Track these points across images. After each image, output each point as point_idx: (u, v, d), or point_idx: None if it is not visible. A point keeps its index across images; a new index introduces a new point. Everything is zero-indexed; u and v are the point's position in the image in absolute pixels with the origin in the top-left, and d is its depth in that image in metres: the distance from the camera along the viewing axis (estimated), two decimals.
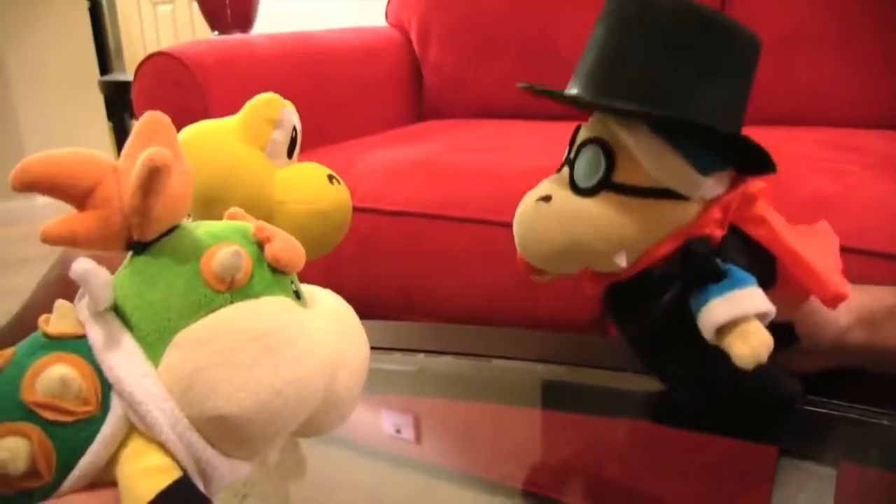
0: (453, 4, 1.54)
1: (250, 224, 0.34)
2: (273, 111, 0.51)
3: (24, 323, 0.31)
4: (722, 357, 0.40)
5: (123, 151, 0.32)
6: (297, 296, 0.34)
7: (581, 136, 0.45)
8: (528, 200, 0.45)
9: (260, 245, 0.33)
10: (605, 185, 0.42)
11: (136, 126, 0.32)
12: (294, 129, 0.53)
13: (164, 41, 3.43)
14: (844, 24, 1.24)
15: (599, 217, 0.42)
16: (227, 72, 1.18)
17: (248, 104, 0.52)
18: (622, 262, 0.43)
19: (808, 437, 0.51)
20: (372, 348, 0.65)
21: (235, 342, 0.30)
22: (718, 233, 0.42)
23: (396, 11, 1.63)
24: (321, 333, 0.33)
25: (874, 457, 0.51)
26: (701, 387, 0.47)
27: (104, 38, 3.34)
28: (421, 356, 0.66)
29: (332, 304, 0.37)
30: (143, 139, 0.32)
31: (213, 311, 0.31)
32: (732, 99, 0.43)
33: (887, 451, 0.51)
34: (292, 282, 0.34)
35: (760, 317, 0.40)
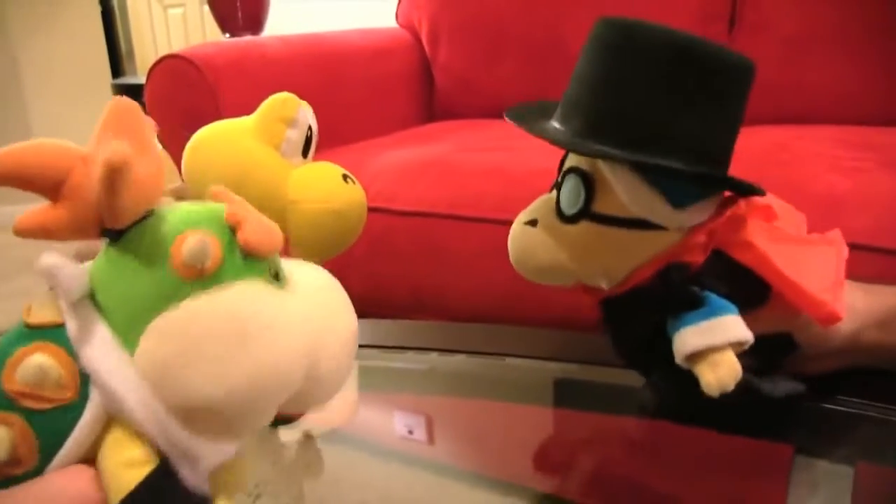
0: (463, 5, 1.54)
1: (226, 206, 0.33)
2: (288, 111, 0.51)
3: None
4: None
5: (91, 139, 0.32)
6: (277, 277, 0.34)
7: (567, 164, 0.46)
8: (518, 222, 0.47)
9: (233, 230, 0.32)
10: (585, 214, 0.43)
11: (104, 114, 0.32)
12: (309, 128, 0.53)
13: (175, 44, 3.45)
14: (857, 22, 1.24)
15: (578, 245, 0.44)
16: (239, 73, 1.18)
17: (264, 104, 0.52)
18: (603, 284, 0.45)
19: (825, 435, 0.50)
20: (383, 347, 0.65)
21: (206, 329, 0.30)
22: (699, 259, 0.43)
23: (406, 12, 1.64)
24: (299, 314, 0.33)
25: (892, 456, 0.50)
26: (689, 398, 0.47)
27: (116, 41, 3.35)
28: (433, 355, 0.66)
29: (313, 281, 0.36)
30: (110, 127, 0.31)
31: (183, 299, 0.31)
32: (716, 127, 0.43)
33: None
34: (270, 264, 0.34)
35: (734, 345, 0.41)
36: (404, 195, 1.02)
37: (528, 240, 0.46)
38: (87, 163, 0.31)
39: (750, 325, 0.42)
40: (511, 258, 0.47)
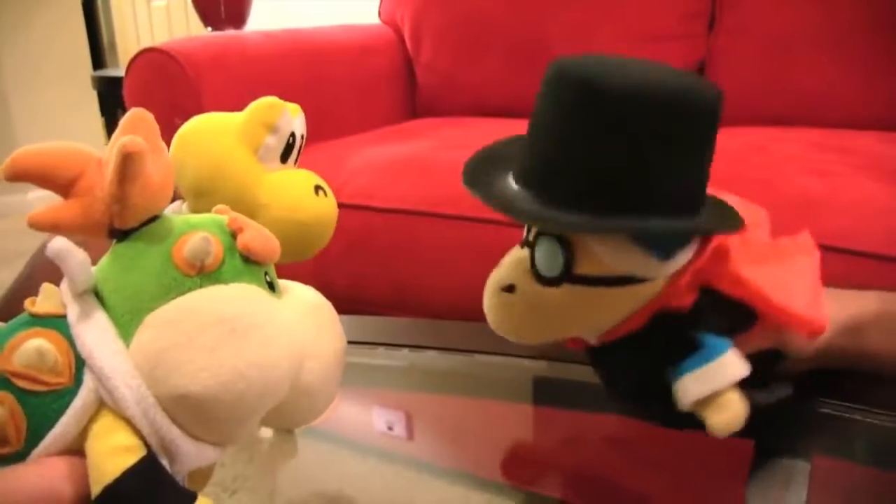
0: (446, 2, 1.54)
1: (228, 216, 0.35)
2: (271, 116, 0.51)
3: (10, 307, 0.33)
4: None
5: (108, 145, 0.33)
6: (272, 287, 0.35)
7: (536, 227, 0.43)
8: (493, 288, 0.44)
9: (234, 235, 0.34)
10: (567, 278, 0.41)
11: (121, 122, 0.34)
12: (292, 135, 0.52)
13: (159, 37, 3.42)
14: (839, 26, 1.25)
15: (563, 307, 0.41)
16: (220, 68, 1.18)
17: (251, 105, 0.52)
18: (591, 339, 0.43)
19: (783, 431, 0.51)
20: (362, 343, 0.66)
21: (200, 324, 0.31)
22: (688, 301, 0.41)
23: (389, 9, 1.63)
24: (289, 321, 0.34)
25: (848, 451, 0.51)
26: (692, 422, 0.47)
27: (98, 33, 3.32)
28: (410, 351, 0.67)
29: (306, 296, 0.38)
30: (125, 133, 0.33)
31: (182, 294, 0.32)
32: (690, 168, 0.40)
33: (860, 446, 0.52)
34: (267, 273, 0.35)
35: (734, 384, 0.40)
36: (384, 192, 1.02)
37: (509, 309, 0.43)
38: (101, 165, 0.33)
39: (742, 345, 0.41)
40: (491, 325, 0.45)
